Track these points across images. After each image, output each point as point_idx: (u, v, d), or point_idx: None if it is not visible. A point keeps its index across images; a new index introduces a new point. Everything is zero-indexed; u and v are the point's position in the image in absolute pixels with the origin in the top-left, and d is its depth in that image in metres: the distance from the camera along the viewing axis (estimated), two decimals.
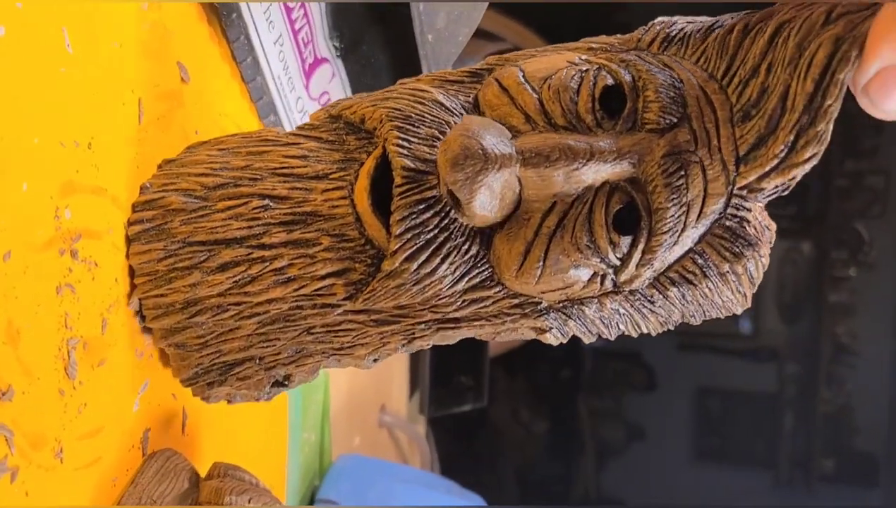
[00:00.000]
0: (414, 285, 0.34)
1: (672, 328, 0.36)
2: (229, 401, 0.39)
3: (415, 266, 0.34)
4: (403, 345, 0.36)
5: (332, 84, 0.53)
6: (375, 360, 0.37)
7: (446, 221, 0.34)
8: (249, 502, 0.37)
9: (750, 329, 1.79)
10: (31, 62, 0.30)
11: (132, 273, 0.37)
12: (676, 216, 0.32)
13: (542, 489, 1.82)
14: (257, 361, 0.37)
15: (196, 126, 0.42)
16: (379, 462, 0.76)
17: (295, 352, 0.37)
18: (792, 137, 0.30)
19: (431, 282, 0.34)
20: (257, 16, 0.44)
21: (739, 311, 0.36)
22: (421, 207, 0.33)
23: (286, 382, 0.38)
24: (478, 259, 0.34)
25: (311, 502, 0.66)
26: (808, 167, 0.30)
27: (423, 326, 0.35)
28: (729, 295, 0.35)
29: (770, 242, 0.35)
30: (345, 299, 0.35)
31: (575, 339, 0.36)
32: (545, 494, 1.81)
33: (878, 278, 1.67)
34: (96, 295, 0.34)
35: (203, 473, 0.40)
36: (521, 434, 1.81)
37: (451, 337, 0.36)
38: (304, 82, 0.50)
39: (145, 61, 0.38)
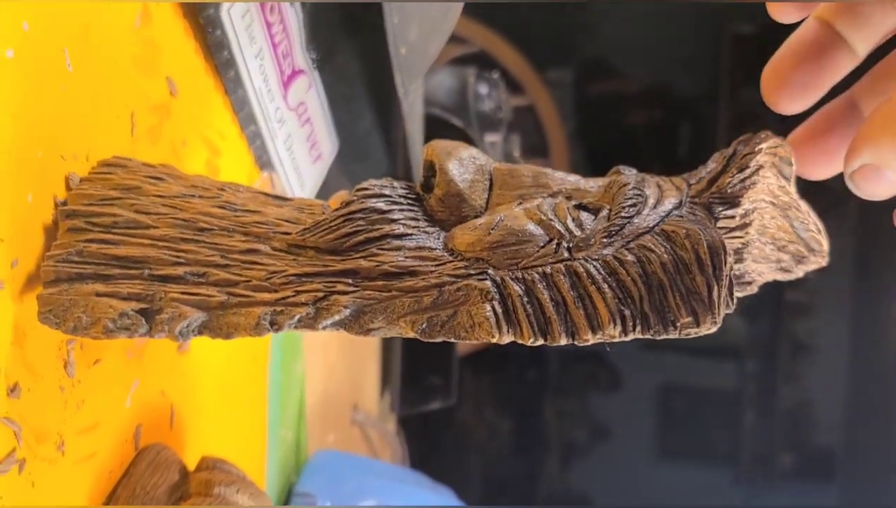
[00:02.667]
0: (364, 216, 0.34)
1: (635, 322, 0.32)
2: (70, 327, 0.31)
3: (371, 203, 0.34)
4: (315, 302, 0.32)
5: (309, 94, 0.55)
6: (272, 326, 0.32)
7: (412, 198, 0.36)
8: (237, 493, 0.40)
9: None
10: (35, 81, 0.32)
11: None
12: (635, 194, 0.33)
13: (508, 487, 1.84)
14: (146, 270, 0.32)
15: (183, 137, 0.44)
16: (353, 457, 0.79)
17: (191, 275, 0.32)
18: (732, 150, 0.33)
19: (380, 219, 0.34)
20: (240, 31, 0.46)
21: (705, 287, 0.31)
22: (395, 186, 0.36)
23: (153, 315, 0.31)
24: (431, 233, 0.34)
25: (289, 495, 0.68)
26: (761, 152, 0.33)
27: (348, 281, 0.32)
28: (690, 278, 0.31)
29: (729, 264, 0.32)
30: (284, 232, 0.34)
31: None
32: (511, 493, 1.83)
33: (834, 277, 1.70)
34: None
35: (190, 465, 0.42)
36: (488, 434, 1.83)
37: (370, 314, 0.32)
38: (283, 92, 0.52)
39: (137, 77, 0.40)
